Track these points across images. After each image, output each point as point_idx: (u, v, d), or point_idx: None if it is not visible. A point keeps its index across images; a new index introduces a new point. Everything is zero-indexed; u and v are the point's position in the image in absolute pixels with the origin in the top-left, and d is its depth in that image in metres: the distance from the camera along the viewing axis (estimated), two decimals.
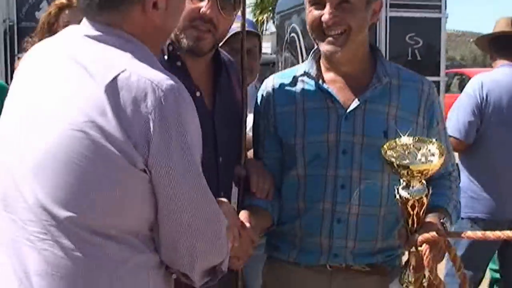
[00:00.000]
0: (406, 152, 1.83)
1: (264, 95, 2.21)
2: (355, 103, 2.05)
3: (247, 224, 1.91)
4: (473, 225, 3.67)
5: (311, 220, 2.09)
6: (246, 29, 2.85)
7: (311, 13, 2.02)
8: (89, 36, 1.51)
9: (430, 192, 1.82)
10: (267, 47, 18.83)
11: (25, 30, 6.67)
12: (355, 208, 2.05)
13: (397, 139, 1.86)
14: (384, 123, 2.05)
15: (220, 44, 2.85)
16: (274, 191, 2.13)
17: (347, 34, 2.00)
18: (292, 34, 10.35)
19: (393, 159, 1.79)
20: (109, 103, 1.39)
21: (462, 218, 3.39)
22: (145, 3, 1.50)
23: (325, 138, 2.06)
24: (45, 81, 1.51)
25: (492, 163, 3.69)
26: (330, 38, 2.01)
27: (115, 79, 1.40)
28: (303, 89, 2.13)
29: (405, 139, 1.85)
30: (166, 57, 2.00)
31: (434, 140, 1.86)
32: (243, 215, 1.96)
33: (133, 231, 1.47)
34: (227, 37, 2.83)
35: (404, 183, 1.81)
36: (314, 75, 2.11)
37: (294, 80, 2.16)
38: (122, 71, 1.41)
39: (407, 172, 1.78)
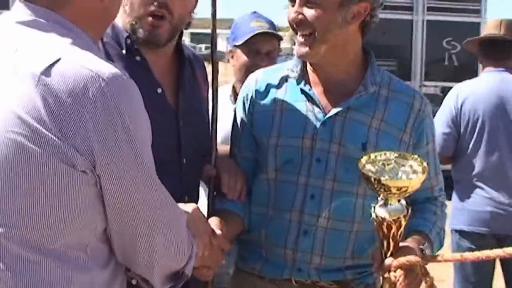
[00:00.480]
0: (386, 168, 1.69)
1: (246, 89, 2.08)
2: (336, 109, 1.91)
3: (218, 232, 1.77)
4: (460, 238, 3.54)
5: (277, 230, 1.95)
6: (266, 30, 2.70)
7: (289, 9, 1.91)
8: (21, 23, 1.33)
9: (410, 213, 1.68)
10: None
11: None
12: (324, 221, 1.91)
13: (377, 153, 1.72)
14: (364, 135, 1.91)
15: (238, 44, 2.72)
16: (247, 191, 2.00)
17: (313, 35, 1.86)
18: None
19: (370, 174, 1.65)
20: (41, 98, 1.22)
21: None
22: None
23: (299, 142, 1.92)
24: None
25: (473, 174, 3.51)
26: (300, 38, 1.89)
27: (48, 69, 1.23)
28: (285, 88, 2.00)
29: (387, 154, 1.71)
30: (124, 51, 1.88)
31: (416, 156, 1.72)
32: (214, 221, 1.83)
33: (79, 244, 1.31)
34: (245, 38, 2.74)
35: (382, 201, 1.68)
36: (297, 75, 1.98)
37: (278, 78, 2.03)
38: (56, 61, 1.24)
39: (385, 189, 1.64)
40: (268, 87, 2.03)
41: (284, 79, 2.01)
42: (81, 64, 1.25)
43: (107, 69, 1.28)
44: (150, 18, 1.83)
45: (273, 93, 2.01)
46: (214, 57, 1.98)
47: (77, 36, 1.34)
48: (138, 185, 1.32)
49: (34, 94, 1.22)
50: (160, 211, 1.39)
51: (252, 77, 2.10)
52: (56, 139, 1.21)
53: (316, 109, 1.93)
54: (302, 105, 1.95)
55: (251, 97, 2.05)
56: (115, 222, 1.33)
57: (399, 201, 1.67)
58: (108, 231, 1.35)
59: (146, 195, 1.35)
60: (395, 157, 1.71)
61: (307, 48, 1.88)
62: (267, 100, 2.01)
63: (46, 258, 1.26)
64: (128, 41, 1.87)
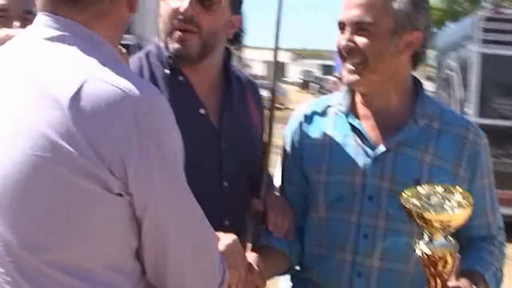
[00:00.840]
0: (431, 201, 1.59)
1: (295, 122, 2.05)
2: (386, 144, 1.85)
3: (255, 268, 1.76)
4: None
5: (330, 270, 1.89)
6: None
7: (338, 36, 1.87)
8: (48, 39, 1.30)
9: (457, 250, 1.57)
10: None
11: None
12: (378, 262, 1.83)
13: (420, 186, 1.63)
14: (416, 170, 1.82)
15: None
16: (294, 229, 1.96)
17: (364, 64, 1.81)
18: (448, 71, 9.91)
19: (411, 206, 1.57)
20: (74, 119, 1.18)
21: None
22: None
23: (350, 179, 1.87)
24: (1, 96, 1.30)
25: None
26: (349, 66, 1.84)
27: (79, 90, 1.20)
28: (333, 121, 1.96)
29: (431, 187, 1.62)
30: (167, 71, 1.89)
31: (460, 188, 1.61)
32: (253, 257, 1.81)
33: (118, 265, 1.30)
34: None
35: (427, 237, 1.58)
36: (345, 107, 1.94)
37: (326, 111, 1.99)
38: (86, 80, 1.21)
39: (428, 223, 1.55)
40: (317, 120, 2.00)
41: (333, 112, 1.97)
42: (111, 83, 1.22)
43: (137, 86, 1.25)
44: (178, 33, 1.83)
45: (322, 127, 1.97)
46: (275, 87, 1.99)
47: (104, 50, 1.33)
48: (169, 202, 1.30)
49: (66, 118, 1.19)
50: (191, 228, 1.36)
51: (300, 109, 2.08)
52: (91, 163, 1.19)
53: (366, 144, 1.87)
54: (351, 139, 1.90)
55: (300, 130, 2.01)
56: (146, 239, 1.30)
57: (445, 237, 1.57)
58: (140, 249, 1.33)
59: (178, 212, 1.33)
60: (441, 190, 1.62)
61: (356, 76, 1.83)
62: (315, 134, 1.97)
63: (81, 282, 1.25)
64: (171, 61, 1.88)
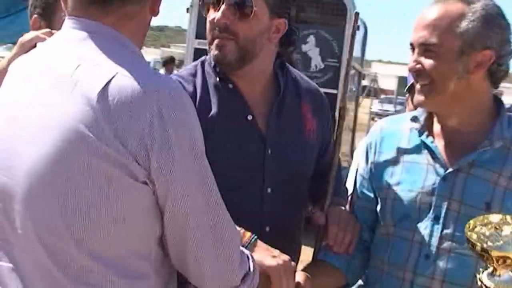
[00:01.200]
0: (501, 232, 1.49)
1: (370, 138, 2.03)
2: (457, 164, 1.77)
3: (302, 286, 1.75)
4: None
5: (391, 287, 1.85)
6: None
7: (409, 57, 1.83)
8: (76, 40, 1.37)
9: None
10: None
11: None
12: (438, 284, 1.77)
13: (489, 215, 1.52)
14: (488, 193, 1.73)
15: None
16: (355, 245, 1.93)
17: (431, 85, 1.76)
18: None
19: (474, 239, 1.46)
20: (102, 112, 1.25)
21: None
22: None
23: (418, 198, 1.81)
24: (32, 94, 1.37)
25: None
26: (418, 87, 1.80)
27: (106, 85, 1.27)
28: (408, 138, 1.91)
29: (498, 216, 1.51)
30: (218, 79, 1.94)
31: None
32: (302, 276, 1.77)
33: (144, 252, 1.35)
34: None
35: (491, 268, 1.47)
36: (419, 126, 1.88)
37: (402, 127, 1.95)
38: (113, 76, 1.28)
39: (489, 257, 1.44)
40: (392, 136, 1.96)
41: (408, 129, 1.92)
42: (136, 79, 1.28)
43: (161, 81, 1.33)
44: (216, 40, 1.88)
45: (396, 143, 1.93)
46: (343, 104, 2.03)
47: (126, 49, 1.39)
48: (189, 193, 1.32)
49: (94, 112, 1.25)
50: (211, 221, 1.38)
51: (377, 125, 2.05)
52: (118, 154, 1.25)
53: (437, 163, 1.81)
54: (423, 158, 1.85)
55: (374, 145, 1.99)
56: (167, 229, 1.35)
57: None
58: (163, 237, 1.38)
59: (198, 203, 1.35)
60: (500, 220, 1.51)
61: (423, 97, 1.79)
62: (389, 150, 1.94)
63: (109, 267, 1.30)
64: (218, 68, 1.94)
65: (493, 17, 1.74)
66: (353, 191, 2.05)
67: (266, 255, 1.65)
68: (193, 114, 1.36)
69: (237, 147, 1.88)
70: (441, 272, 1.76)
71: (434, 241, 1.78)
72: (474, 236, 1.48)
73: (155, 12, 1.46)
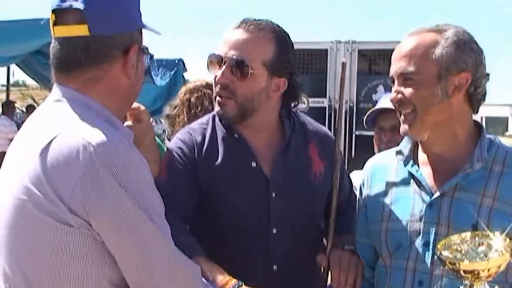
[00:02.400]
0: (463, 250, 1.58)
1: (363, 174, 2.12)
2: (441, 190, 1.84)
3: None
4: None
5: None
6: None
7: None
8: (49, 105, 1.58)
9: None
10: None
11: (363, 111, 7.56)
12: None
13: (453, 236, 1.62)
14: (473, 215, 1.78)
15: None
16: (358, 284, 2.00)
17: (414, 112, 1.84)
18: None
19: (445, 257, 1.55)
20: (41, 168, 1.41)
21: None
22: (127, 59, 1.58)
23: (408, 226, 1.88)
24: (9, 157, 1.60)
25: None
26: (402, 117, 1.88)
27: (49, 143, 1.43)
28: (395, 170, 1.99)
29: (461, 235, 1.60)
30: (225, 130, 2.11)
31: (498, 233, 1.56)
32: None
33: None
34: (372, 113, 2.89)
35: (468, 285, 1.55)
36: (404, 156, 1.97)
37: (391, 160, 2.03)
38: (57, 135, 1.44)
39: (465, 272, 1.52)
40: (382, 170, 2.04)
41: (396, 161, 2.00)
42: (77, 135, 1.43)
43: (99, 135, 1.43)
44: (218, 98, 2.06)
45: (385, 176, 2.01)
46: (337, 140, 2.13)
47: (97, 112, 1.54)
48: (124, 234, 1.44)
49: (37, 165, 1.42)
50: (160, 262, 1.49)
51: (369, 161, 2.14)
52: (55, 206, 1.39)
53: (423, 190, 1.88)
54: (410, 187, 1.92)
55: (367, 181, 2.08)
56: (122, 269, 1.47)
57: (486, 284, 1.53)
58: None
59: (145, 250, 1.46)
60: (470, 237, 1.59)
61: (407, 126, 1.87)
62: (380, 184, 2.01)
63: None
64: (225, 121, 2.10)
65: (465, 41, 1.83)
66: (353, 228, 2.13)
67: None
68: (132, 162, 1.46)
69: (242, 192, 2.03)
70: None
71: (426, 267, 1.83)
72: (446, 254, 1.57)
73: (127, 76, 1.59)
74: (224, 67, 2.02)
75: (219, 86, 2.04)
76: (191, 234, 1.91)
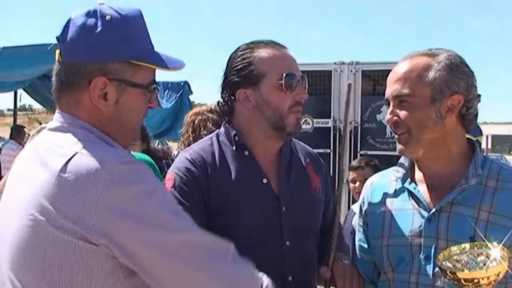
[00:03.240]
0: (463, 261, 1.65)
1: (363, 193, 2.19)
2: (439, 205, 1.90)
3: None
4: None
5: None
6: None
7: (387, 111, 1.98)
8: (51, 129, 1.63)
9: None
10: None
11: (367, 131, 7.84)
12: None
13: (453, 247, 1.68)
14: (471, 228, 1.83)
15: None
16: None
17: (409, 133, 1.90)
18: None
19: (446, 267, 1.62)
20: (60, 188, 1.44)
21: None
22: (90, 90, 1.58)
23: (409, 241, 1.94)
24: (16, 176, 1.64)
25: None
26: (397, 136, 1.95)
27: (66, 164, 1.47)
28: (394, 188, 2.06)
29: (461, 246, 1.67)
30: (234, 147, 2.16)
31: (495, 243, 1.63)
32: None
33: None
34: None
35: None
36: (401, 174, 2.04)
37: (389, 179, 2.10)
38: (73, 155, 1.48)
39: (465, 281, 1.58)
40: (381, 189, 2.11)
41: (394, 180, 2.07)
42: (92, 155, 1.47)
43: (113, 155, 1.49)
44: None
45: (385, 195, 2.07)
46: (337, 157, 2.18)
47: (89, 134, 1.57)
48: (155, 260, 1.47)
49: (54, 185, 1.45)
50: (190, 277, 1.50)
51: (368, 181, 2.21)
52: (74, 224, 1.42)
53: (421, 207, 1.94)
54: (409, 203, 1.98)
55: (367, 200, 2.14)
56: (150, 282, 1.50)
57: None
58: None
59: (174, 263, 1.48)
60: (470, 248, 1.66)
61: (402, 146, 1.94)
62: (379, 202, 2.08)
63: None
64: (237, 138, 2.18)
65: (457, 65, 1.90)
66: (354, 246, 2.20)
67: None
68: (146, 178, 1.51)
69: (255, 207, 2.10)
70: None
71: (428, 279, 1.88)
72: (447, 264, 1.63)
73: (99, 106, 1.59)
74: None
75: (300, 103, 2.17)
76: None
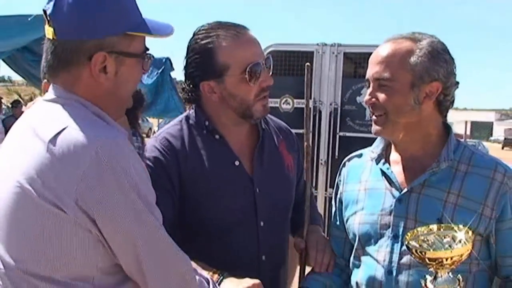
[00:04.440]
0: (429, 241, 1.70)
1: (341, 173, 2.24)
2: (410, 186, 1.96)
3: None
4: None
5: None
6: None
7: (366, 91, 2.02)
8: (46, 100, 1.64)
9: (461, 284, 1.66)
10: None
11: (347, 112, 7.84)
12: None
13: (419, 228, 1.74)
14: (439, 210, 1.89)
15: None
16: (334, 264, 2.17)
17: (386, 116, 1.94)
18: None
19: (412, 246, 1.67)
20: (48, 158, 1.47)
21: None
22: (91, 66, 1.59)
23: (378, 220, 2.00)
24: (9, 143, 1.66)
25: None
26: (374, 118, 1.99)
27: (56, 136, 1.49)
28: (369, 168, 2.11)
29: (429, 227, 1.72)
30: (205, 132, 2.17)
31: (461, 226, 1.68)
32: None
33: (85, 277, 1.54)
34: None
35: (433, 275, 1.68)
36: (376, 155, 2.09)
37: (365, 159, 2.16)
38: (63, 129, 1.50)
39: (430, 261, 1.64)
40: (356, 168, 2.17)
41: (369, 160, 2.12)
42: (83, 130, 1.49)
43: (103, 132, 1.52)
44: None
45: (360, 174, 2.13)
46: (307, 137, 2.26)
47: (82, 109, 1.59)
48: (124, 226, 1.51)
49: (43, 155, 1.48)
50: (160, 257, 1.59)
51: (345, 160, 2.26)
52: (57, 194, 1.46)
53: (393, 187, 1.99)
54: (382, 183, 2.03)
55: (343, 179, 2.20)
56: (121, 261, 1.57)
57: (449, 273, 1.65)
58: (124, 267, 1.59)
59: (147, 240, 1.55)
60: (437, 229, 1.71)
61: (379, 127, 1.98)
62: (354, 181, 2.14)
63: (54, 286, 1.51)
64: (207, 123, 2.17)
65: (438, 52, 1.93)
66: (330, 222, 2.28)
67: (234, 285, 1.87)
68: (132, 158, 1.54)
69: (229, 190, 2.12)
70: (404, 286, 1.92)
71: (395, 258, 1.95)
72: (413, 244, 1.69)
73: (98, 81, 1.61)
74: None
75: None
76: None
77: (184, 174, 2.08)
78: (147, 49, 1.72)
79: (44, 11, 1.62)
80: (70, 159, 1.46)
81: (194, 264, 1.75)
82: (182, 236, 1.90)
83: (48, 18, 1.60)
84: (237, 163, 2.16)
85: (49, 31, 1.61)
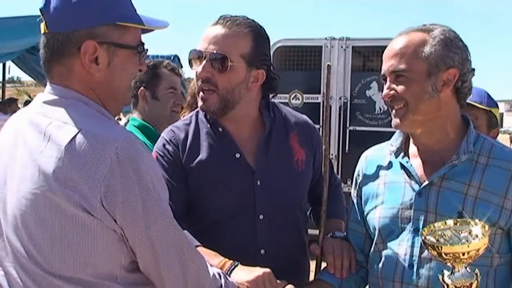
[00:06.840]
0: (446, 236, 1.68)
1: (358, 167, 2.23)
2: (430, 179, 1.95)
3: None
4: None
5: None
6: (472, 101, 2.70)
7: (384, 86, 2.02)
8: (46, 102, 1.64)
9: (478, 278, 1.65)
10: None
11: (356, 106, 7.86)
12: None
13: (437, 223, 1.72)
14: (460, 203, 1.88)
15: None
16: (353, 266, 2.15)
17: (406, 107, 1.94)
18: None
19: (429, 241, 1.66)
20: (68, 162, 1.49)
21: None
22: (81, 55, 1.60)
23: (398, 213, 1.99)
24: (15, 148, 1.63)
25: None
26: (393, 111, 1.98)
27: (72, 140, 1.51)
28: (388, 162, 2.10)
29: (446, 222, 1.70)
30: (209, 125, 2.20)
31: (477, 221, 1.67)
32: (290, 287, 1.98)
33: (108, 276, 1.57)
34: None
35: (451, 269, 1.66)
36: (395, 148, 2.08)
37: (384, 153, 2.14)
38: (79, 132, 1.52)
39: (447, 256, 1.62)
40: (375, 162, 2.15)
41: (388, 153, 2.11)
42: (97, 133, 1.52)
43: (116, 133, 1.54)
44: (201, 93, 2.17)
45: (379, 168, 2.12)
46: (325, 133, 2.24)
47: (85, 108, 1.61)
48: (153, 231, 1.56)
49: (62, 160, 1.50)
50: (177, 253, 1.62)
51: (364, 154, 2.24)
52: (82, 198, 1.48)
53: (413, 180, 1.98)
54: (401, 177, 2.02)
55: (362, 173, 2.18)
56: (140, 260, 1.60)
57: (466, 267, 1.63)
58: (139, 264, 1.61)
59: (165, 238, 1.59)
60: (454, 224, 1.70)
61: (399, 120, 1.97)
62: (373, 175, 2.12)
63: (80, 287, 1.53)
64: (208, 116, 2.21)
65: (451, 40, 1.93)
66: (348, 217, 2.26)
67: (246, 273, 1.89)
68: (148, 157, 1.59)
69: (228, 182, 2.13)
70: (425, 279, 1.91)
71: (416, 251, 1.94)
72: (430, 239, 1.67)
73: (90, 71, 1.62)
74: (204, 61, 2.11)
75: (200, 80, 2.13)
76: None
77: (185, 164, 2.13)
78: (143, 43, 1.73)
79: (40, 9, 1.64)
80: (91, 162, 1.48)
81: (204, 251, 1.80)
82: (182, 225, 1.91)
83: (42, 13, 1.63)
84: (238, 155, 2.17)
85: (42, 26, 1.63)
